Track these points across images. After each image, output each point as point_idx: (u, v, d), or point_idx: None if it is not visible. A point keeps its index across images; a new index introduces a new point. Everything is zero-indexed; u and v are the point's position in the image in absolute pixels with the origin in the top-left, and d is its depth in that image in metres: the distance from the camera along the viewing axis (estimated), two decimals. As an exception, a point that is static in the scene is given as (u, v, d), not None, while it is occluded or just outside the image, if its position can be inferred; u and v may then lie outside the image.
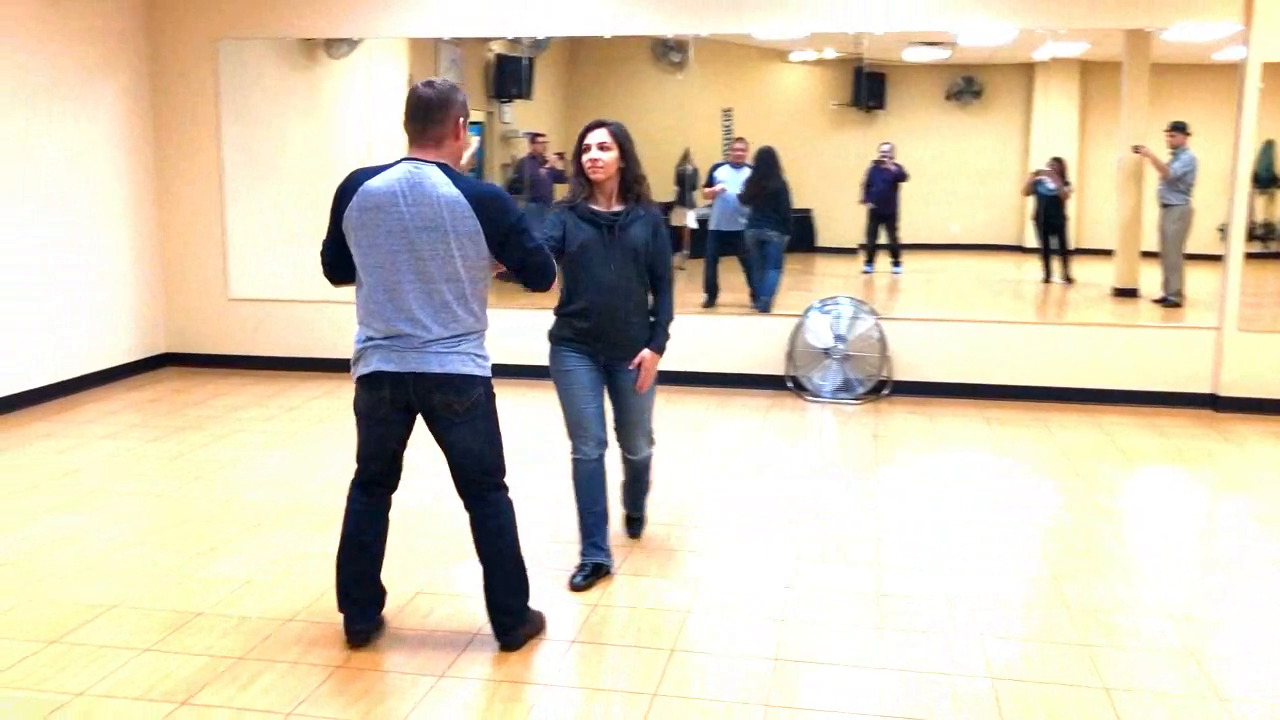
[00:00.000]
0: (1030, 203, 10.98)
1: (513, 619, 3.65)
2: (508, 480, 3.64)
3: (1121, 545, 4.70)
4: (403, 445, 3.61)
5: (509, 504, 3.62)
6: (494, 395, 3.57)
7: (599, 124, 4.00)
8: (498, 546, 3.59)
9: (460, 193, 3.35)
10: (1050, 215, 10.72)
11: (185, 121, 8.18)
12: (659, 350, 4.20)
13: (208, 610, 3.92)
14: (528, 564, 3.67)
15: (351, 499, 3.65)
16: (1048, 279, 10.80)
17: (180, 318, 8.40)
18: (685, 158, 10.39)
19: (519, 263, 3.50)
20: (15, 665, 3.50)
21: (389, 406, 3.48)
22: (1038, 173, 10.79)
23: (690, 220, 10.42)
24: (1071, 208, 10.71)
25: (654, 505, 5.11)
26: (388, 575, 4.13)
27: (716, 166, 9.47)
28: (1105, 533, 4.85)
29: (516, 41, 9.36)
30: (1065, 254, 10.67)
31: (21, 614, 3.88)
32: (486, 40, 9.94)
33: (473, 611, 3.90)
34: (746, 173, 9.20)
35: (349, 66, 8.77)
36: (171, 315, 8.40)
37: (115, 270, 7.89)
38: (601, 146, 3.97)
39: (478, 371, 3.48)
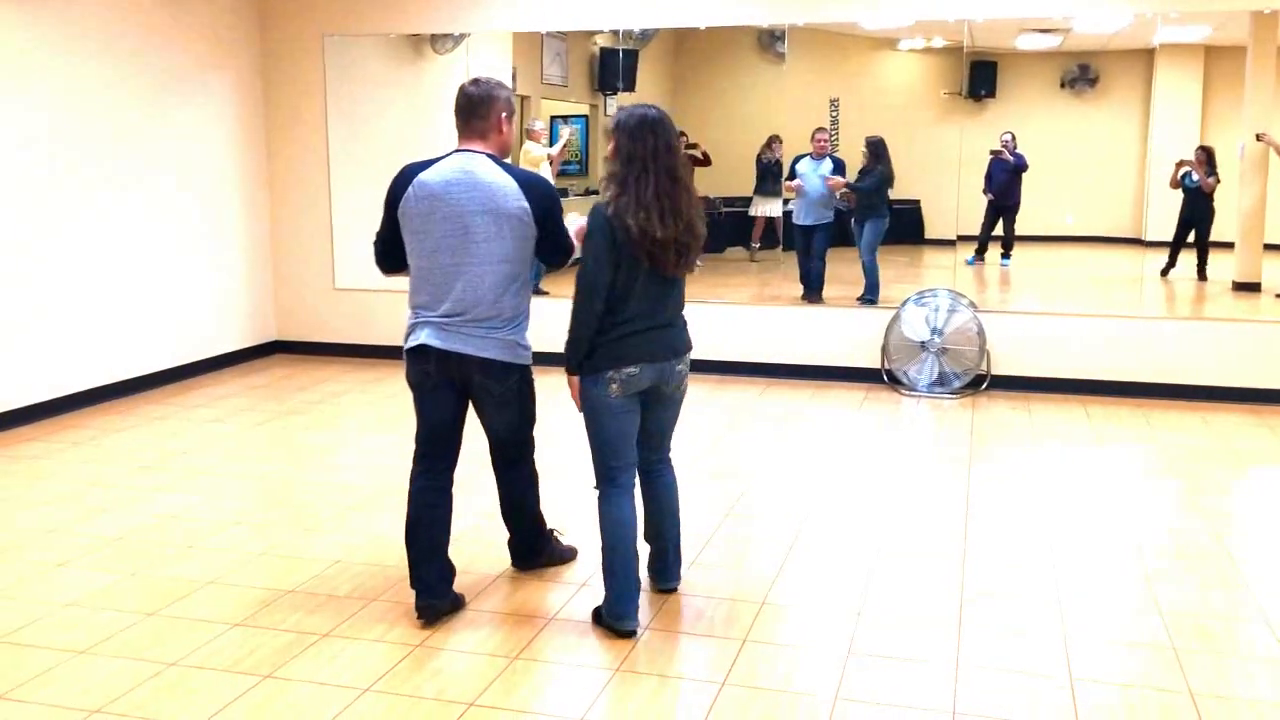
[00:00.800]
0: (1179, 196, 10.47)
1: (532, 557, 4.21)
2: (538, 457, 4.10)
3: (1222, 548, 4.52)
4: (458, 421, 3.78)
5: (529, 473, 4.06)
6: (531, 381, 3.82)
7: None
8: (520, 508, 4.09)
9: (511, 178, 3.61)
10: (1192, 208, 10.26)
11: (293, 116, 8.45)
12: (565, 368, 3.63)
13: (298, 588, 4.07)
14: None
15: (413, 478, 3.81)
16: (1165, 272, 10.41)
17: (289, 306, 8.69)
18: (767, 145, 10.19)
19: (560, 247, 3.74)
20: (117, 635, 3.68)
21: (435, 379, 3.68)
22: (1182, 162, 10.32)
23: (765, 210, 10.28)
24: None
25: (736, 495, 5.13)
26: (472, 558, 4.24)
27: (798, 159, 9.28)
28: (1206, 534, 4.67)
29: (619, 34, 9.41)
30: (1203, 249, 10.19)
31: (126, 587, 4.08)
32: (590, 33, 10.03)
33: (550, 596, 3.98)
34: (828, 164, 9.02)
35: (453, 61, 8.92)
36: (280, 304, 8.70)
37: (229, 260, 8.20)
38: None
39: (516, 360, 3.70)
